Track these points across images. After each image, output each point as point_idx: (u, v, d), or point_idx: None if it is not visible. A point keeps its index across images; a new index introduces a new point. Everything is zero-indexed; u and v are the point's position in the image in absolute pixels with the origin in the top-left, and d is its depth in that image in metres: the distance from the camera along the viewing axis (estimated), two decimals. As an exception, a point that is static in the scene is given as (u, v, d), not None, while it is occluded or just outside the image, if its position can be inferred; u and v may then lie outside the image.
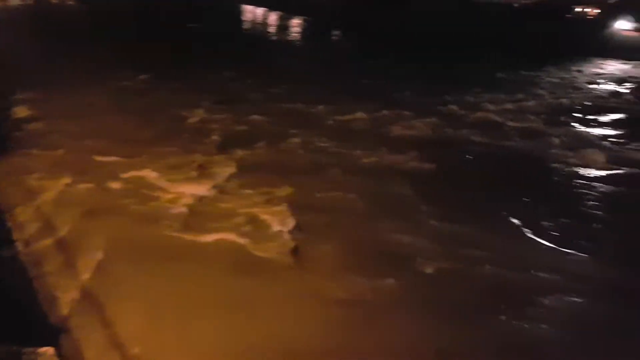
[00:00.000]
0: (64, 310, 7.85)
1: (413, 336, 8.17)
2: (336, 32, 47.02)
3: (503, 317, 8.83)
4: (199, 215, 11.24)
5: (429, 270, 9.90)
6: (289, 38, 43.28)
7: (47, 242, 9.64)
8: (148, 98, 19.96)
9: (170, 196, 11.94)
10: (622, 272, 10.42)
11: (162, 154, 14.32)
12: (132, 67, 24.16)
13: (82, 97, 19.40)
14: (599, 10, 46.39)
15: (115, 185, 12.40)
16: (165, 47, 30.02)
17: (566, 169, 15.94)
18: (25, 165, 12.88)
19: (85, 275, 8.77)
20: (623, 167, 16.32)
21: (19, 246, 9.34)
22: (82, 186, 12.15)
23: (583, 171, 15.82)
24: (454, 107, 21.75)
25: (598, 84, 30.02)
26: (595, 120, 21.91)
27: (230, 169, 13.68)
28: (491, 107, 22.35)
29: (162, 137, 15.69)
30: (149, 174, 13.02)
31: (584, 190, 14.45)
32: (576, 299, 9.52)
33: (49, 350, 6.06)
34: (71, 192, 11.82)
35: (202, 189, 12.43)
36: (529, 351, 8.15)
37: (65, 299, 8.09)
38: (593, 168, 16.03)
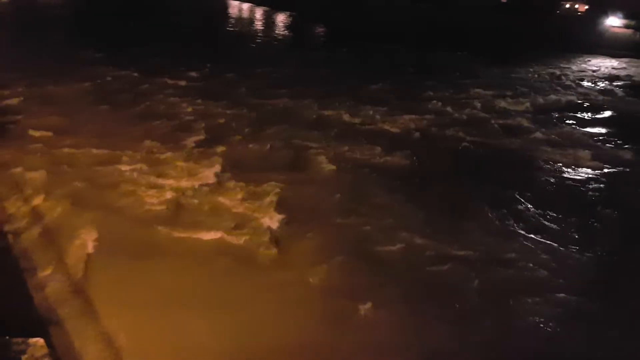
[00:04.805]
0: (53, 302, 7.90)
1: (399, 334, 8.22)
2: (317, 28, 46.95)
3: (493, 315, 8.85)
4: (185, 211, 11.25)
5: (413, 269, 9.96)
6: (272, 34, 42.98)
7: (36, 235, 9.66)
8: (131, 92, 19.84)
9: (156, 192, 11.90)
10: (608, 268, 10.63)
11: (145, 148, 14.30)
12: (116, 61, 24.03)
13: (68, 89, 19.35)
14: (588, 7, 46.63)
15: (101, 179, 12.34)
16: (152, 42, 30.09)
17: (552, 167, 16.04)
18: (10, 159, 12.76)
19: (74, 268, 8.82)
20: (609, 166, 16.41)
21: (9, 238, 9.33)
22: (70, 180, 12.05)
23: (569, 169, 15.94)
24: (439, 104, 21.71)
25: (588, 81, 30.06)
26: (583, 118, 22.03)
27: (215, 165, 13.62)
28: (478, 104, 22.37)
29: (145, 132, 15.63)
30: (134, 169, 12.99)
31: (569, 189, 14.61)
32: (564, 295, 9.62)
33: (38, 341, 6.07)
34: (57, 186, 11.67)
35: (187, 185, 12.39)
36: (517, 349, 8.20)
37: (54, 291, 8.15)
38: (579, 166, 16.16)
